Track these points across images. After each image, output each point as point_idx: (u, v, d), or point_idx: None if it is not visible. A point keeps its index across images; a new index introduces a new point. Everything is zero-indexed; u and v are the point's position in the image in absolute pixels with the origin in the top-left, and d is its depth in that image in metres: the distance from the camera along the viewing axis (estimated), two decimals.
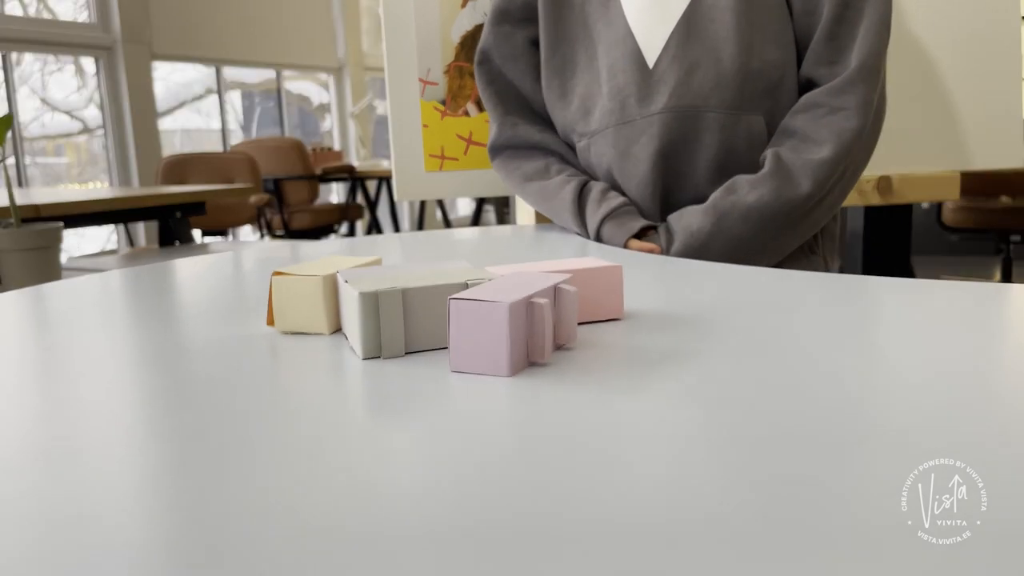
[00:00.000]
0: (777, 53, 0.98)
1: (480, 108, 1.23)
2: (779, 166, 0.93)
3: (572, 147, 1.09)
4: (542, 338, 0.42)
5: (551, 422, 0.34)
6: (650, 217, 0.99)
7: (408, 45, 1.20)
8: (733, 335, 0.48)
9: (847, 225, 1.59)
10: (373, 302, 0.44)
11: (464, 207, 7.57)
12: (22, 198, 2.28)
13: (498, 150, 1.13)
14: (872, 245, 1.54)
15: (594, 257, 0.60)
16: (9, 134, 4.79)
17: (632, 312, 0.55)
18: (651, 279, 0.68)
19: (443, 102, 1.22)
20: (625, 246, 0.95)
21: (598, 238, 0.98)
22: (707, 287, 0.63)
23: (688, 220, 0.94)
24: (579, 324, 0.52)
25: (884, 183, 1.42)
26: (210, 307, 0.62)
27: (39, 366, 0.46)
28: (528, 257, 0.86)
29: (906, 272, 1.55)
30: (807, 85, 0.99)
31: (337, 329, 0.52)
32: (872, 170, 1.42)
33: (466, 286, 0.46)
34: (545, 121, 1.14)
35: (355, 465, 0.30)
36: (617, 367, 0.42)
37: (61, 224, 1.86)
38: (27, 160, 5.10)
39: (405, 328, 0.45)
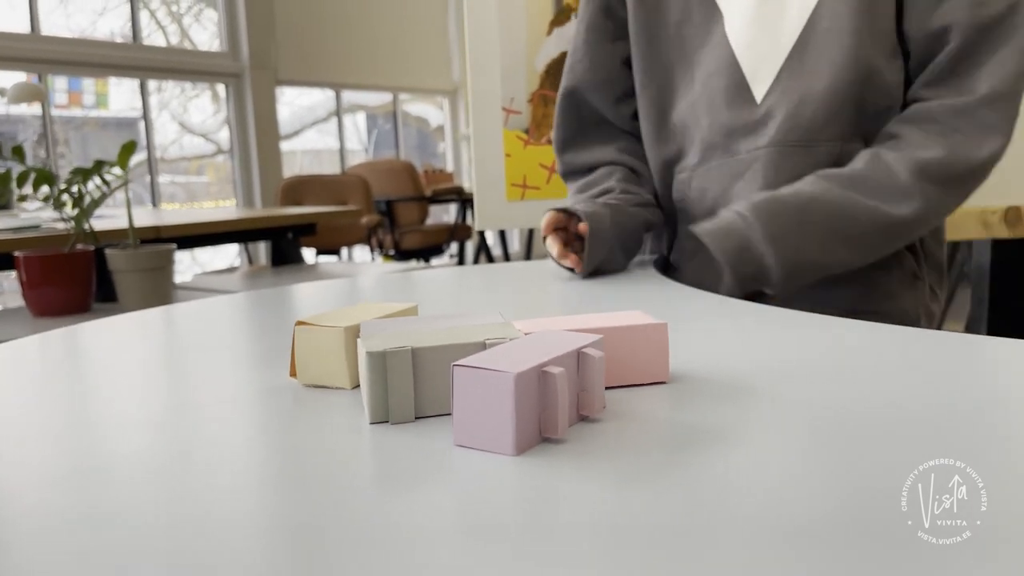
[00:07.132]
0: (895, 76, 0.88)
1: None
2: (874, 161, 0.83)
3: (667, 180, 1.03)
4: (555, 412, 0.37)
5: (549, 512, 0.30)
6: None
7: (492, 73, 1.18)
8: (794, 408, 0.41)
9: (972, 259, 1.45)
10: (381, 362, 0.41)
11: None
12: (152, 219, 2.40)
13: (567, 178, 1.12)
14: (1000, 282, 1.40)
15: (642, 312, 0.55)
16: (144, 155, 5.13)
17: (681, 374, 0.49)
18: (716, 329, 0.62)
19: (526, 131, 1.19)
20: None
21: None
22: (778, 340, 0.57)
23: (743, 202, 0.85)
24: (619, 387, 0.47)
25: (1013, 214, 1.28)
26: (248, 349, 0.61)
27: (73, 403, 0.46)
28: (598, 296, 0.81)
29: None
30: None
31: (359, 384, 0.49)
32: (999, 199, 1.29)
33: (484, 346, 0.42)
34: (620, 136, 1.08)
35: (331, 547, 0.27)
36: (645, 444, 0.37)
37: (174, 246, 1.94)
38: (166, 179, 5.45)
39: (415, 391, 0.42)
